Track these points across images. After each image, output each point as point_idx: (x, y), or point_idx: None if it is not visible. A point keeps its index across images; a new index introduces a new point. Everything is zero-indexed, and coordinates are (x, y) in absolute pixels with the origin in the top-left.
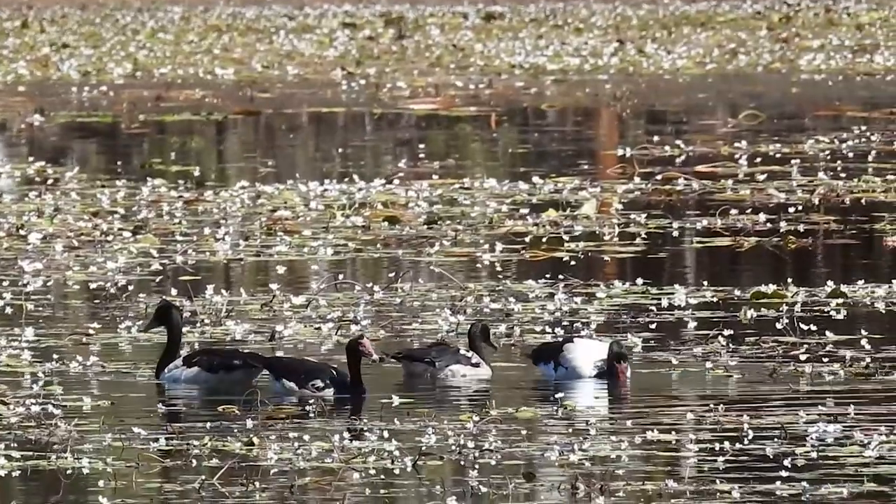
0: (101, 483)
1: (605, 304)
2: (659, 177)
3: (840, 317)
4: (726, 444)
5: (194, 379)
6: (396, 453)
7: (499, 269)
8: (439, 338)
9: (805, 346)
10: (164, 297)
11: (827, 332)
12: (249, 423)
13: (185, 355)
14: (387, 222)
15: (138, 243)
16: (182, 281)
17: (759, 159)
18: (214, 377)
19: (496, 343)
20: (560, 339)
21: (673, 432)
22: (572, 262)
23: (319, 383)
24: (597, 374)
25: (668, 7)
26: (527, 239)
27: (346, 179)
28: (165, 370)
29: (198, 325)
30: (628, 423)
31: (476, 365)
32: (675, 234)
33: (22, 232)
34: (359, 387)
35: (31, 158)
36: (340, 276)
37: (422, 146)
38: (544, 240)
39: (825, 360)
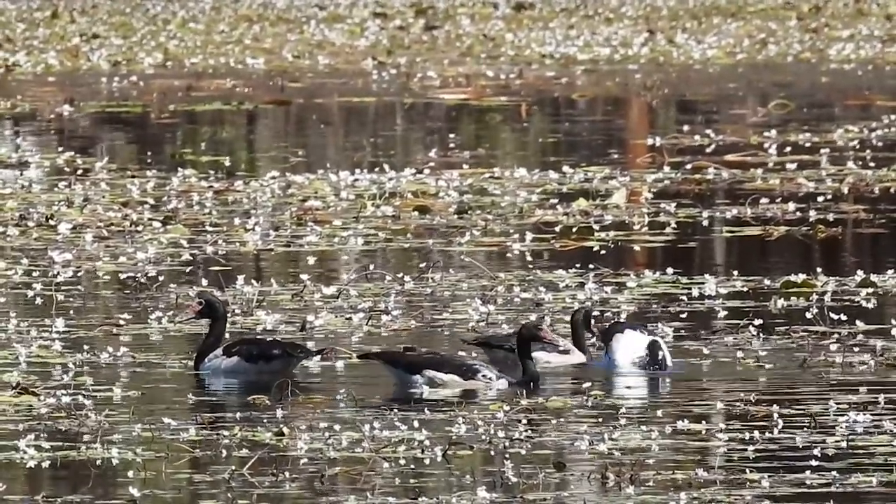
0: (130, 473)
1: (635, 293)
2: (689, 166)
3: (870, 306)
4: (756, 434)
5: (234, 369)
6: (426, 443)
7: (529, 258)
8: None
9: (835, 335)
10: (205, 289)
11: (857, 322)
12: (279, 413)
13: (225, 345)
14: (417, 212)
15: (168, 233)
16: (213, 271)
17: (788, 149)
18: (254, 367)
19: (594, 329)
20: (613, 326)
21: (703, 422)
22: (602, 252)
23: (489, 374)
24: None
25: None
26: (557, 228)
27: (377, 169)
28: (206, 360)
29: (229, 315)
30: (658, 412)
31: (565, 352)
32: (705, 223)
33: (52, 222)
34: (532, 373)
35: (60, 149)
36: (371, 266)
37: (452, 136)
38: (574, 229)
39: (855, 349)
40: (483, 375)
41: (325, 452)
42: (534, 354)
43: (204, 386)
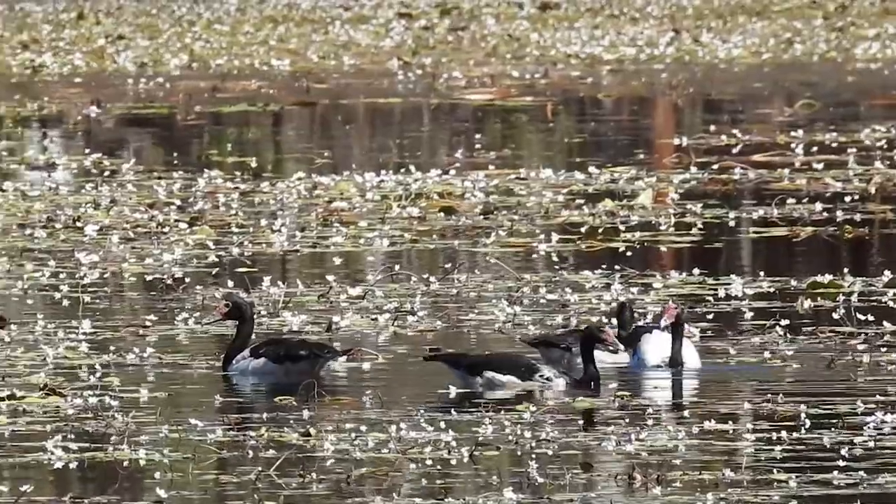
0: (157, 475)
1: (661, 294)
2: (715, 166)
3: None
4: (783, 434)
5: (261, 370)
6: (453, 444)
7: (555, 259)
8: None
9: (862, 335)
10: (229, 291)
11: (884, 322)
12: (306, 414)
13: (253, 346)
14: (443, 213)
15: (195, 235)
16: (239, 272)
17: (815, 148)
18: (281, 368)
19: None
20: (644, 328)
21: (730, 422)
22: (628, 253)
23: (548, 374)
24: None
25: None
26: (583, 229)
27: (403, 170)
28: (234, 361)
29: (255, 316)
30: (685, 412)
31: (614, 351)
32: (732, 223)
33: (78, 224)
34: (594, 373)
35: (87, 150)
36: (397, 267)
37: (478, 136)
38: (600, 230)
39: (882, 349)
40: (541, 376)
41: (352, 453)
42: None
43: (231, 387)
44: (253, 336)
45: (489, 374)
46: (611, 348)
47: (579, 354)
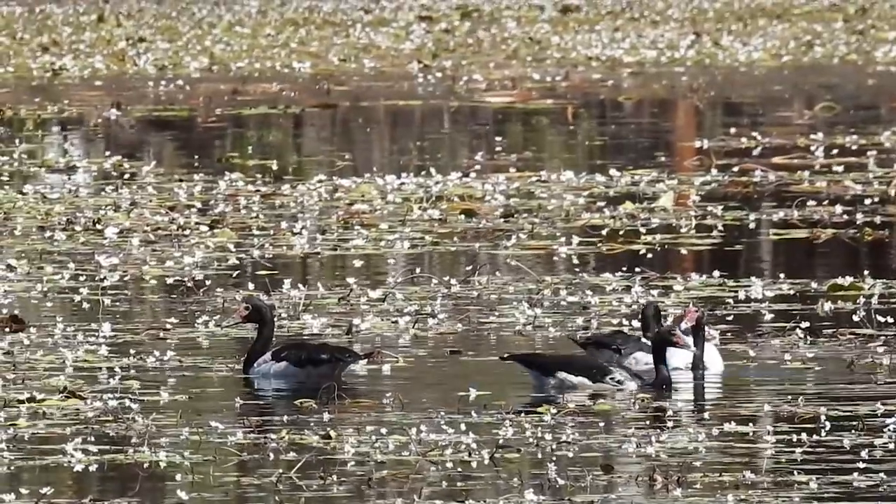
0: (178, 477)
1: (682, 296)
2: (735, 169)
3: None
4: (804, 436)
5: (282, 373)
6: (474, 446)
7: (575, 261)
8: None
9: (882, 337)
10: (249, 293)
11: None
12: (326, 417)
13: (274, 350)
14: (463, 215)
15: (215, 237)
16: (259, 275)
17: (835, 151)
18: (302, 371)
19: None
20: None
21: (750, 424)
22: (649, 255)
23: (620, 376)
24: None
25: None
26: (604, 232)
27: (423, 172)
28: (255, 365)
29: (276, 319)
30: (706, 414)
31: (689, 351)
32: (752, 226)
33: (99, 226)
34: (666, 377)
35: (108, 153)
36: (417, 270)
37: (498, 139)
38: (621, 232)
39: None
40: (613, 378)
41: (372, 456)
42: (634, 355)
43: (251, 390)
44: (273, 339)
45: (561, 374)
46: (688, 349)
47: (627, 356)
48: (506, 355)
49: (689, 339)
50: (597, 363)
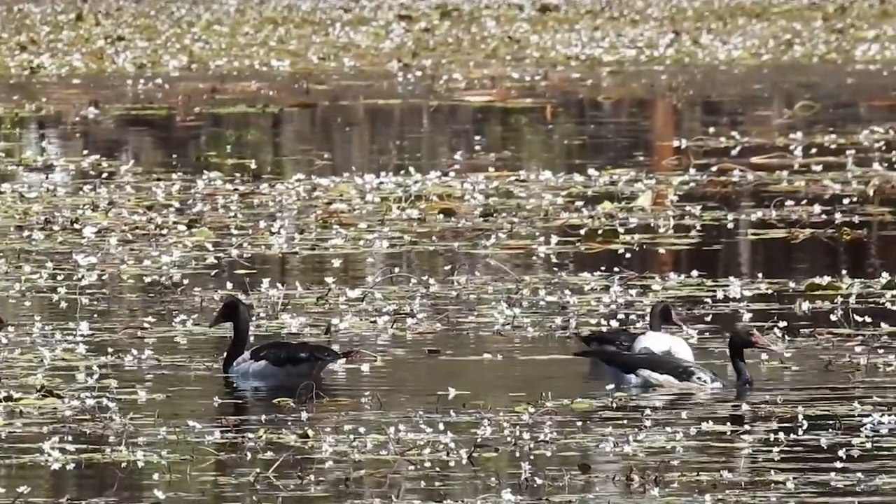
0: (155, 476)
1: (660, 296)
2: (714, 168)
3: (895, 308)
4: (781, 435)
5: (261, 373)
6: (452, 445)
7: (554, 261)
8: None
9: (860, 337)
10: (228, 293)
11: (882, 324)
12: (305, 416)
13: (253, 349)
14: (442, 215)
15: (193, 237)
16: (237, 274)
17: (814, 150)
18: (281, 371)
19: (679, 321)
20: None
21: (728, 423)
22: (628, 255)
23: (704, 376)
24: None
25: None
26: (582, 231)
27: (402, 172)
28: (234, 364)
29: (254, 318)
30: (683, 414)
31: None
32: (731, 225)
33: (77, 226)
34: (746, 377)
35: (85, 152)
36: (396, 269)
37: (477, 138)
38: (600, 232)
39: (880, 351)
40: (698, 378)
41: (351, 455)
42: (641, 346)
43: (229, 388)
44: (252, 338)
45: (645, 372)
46: (771, 348)
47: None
48: (579, 351)
49: (769, 339)
50: (680, 362)
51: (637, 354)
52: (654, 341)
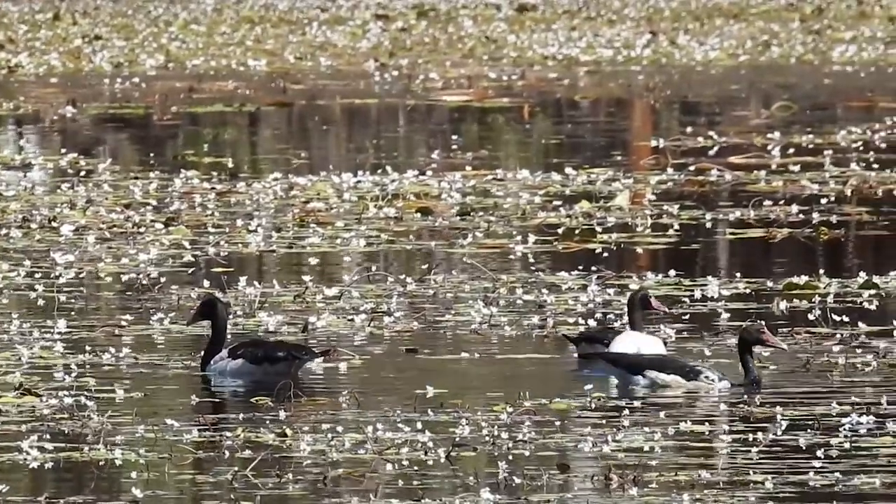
0: (133, 474)
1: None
2: (692, 168)
3: (872, 307)
4: (759, 435)
5: (239, 371)
6: (430, 444)
7: (532, 260)
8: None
9: (838, 336)
10: (206, 291)
11: (859, 323)
12: (282, 415)
13: (230, 347)
14: (419, 214)
15: (171, 235)
16: (215, 273)
17: (791, 150)
18: (259, 369)
19: (658, 308)
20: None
21: (706, 423)
22: (605, 254)
23: (712, 375)
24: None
25: None
26: (560, 230)
27: (379, 171)
28: (211, 362)
29: (231, 317)
30: (661, 414)
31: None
32: (708, 225)
33: (54, 224)
34: (755, 376)
35: (63, 150)
36: (373, 268)
37: (455, 137)
38: (577, 231)
39: (858, 350)
40: (706, 377)
41: (328, 454)
42: (621, 338)
43: (207, 387)
44: (229, 337)
45: (652, 373)
46: (781, 347)
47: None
48: (584, 353)
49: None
50: (687, 362)
51: (643, 355)
52: (627, 344)
